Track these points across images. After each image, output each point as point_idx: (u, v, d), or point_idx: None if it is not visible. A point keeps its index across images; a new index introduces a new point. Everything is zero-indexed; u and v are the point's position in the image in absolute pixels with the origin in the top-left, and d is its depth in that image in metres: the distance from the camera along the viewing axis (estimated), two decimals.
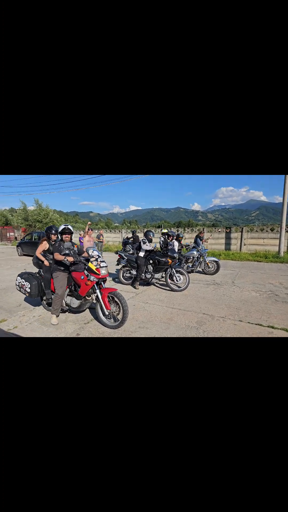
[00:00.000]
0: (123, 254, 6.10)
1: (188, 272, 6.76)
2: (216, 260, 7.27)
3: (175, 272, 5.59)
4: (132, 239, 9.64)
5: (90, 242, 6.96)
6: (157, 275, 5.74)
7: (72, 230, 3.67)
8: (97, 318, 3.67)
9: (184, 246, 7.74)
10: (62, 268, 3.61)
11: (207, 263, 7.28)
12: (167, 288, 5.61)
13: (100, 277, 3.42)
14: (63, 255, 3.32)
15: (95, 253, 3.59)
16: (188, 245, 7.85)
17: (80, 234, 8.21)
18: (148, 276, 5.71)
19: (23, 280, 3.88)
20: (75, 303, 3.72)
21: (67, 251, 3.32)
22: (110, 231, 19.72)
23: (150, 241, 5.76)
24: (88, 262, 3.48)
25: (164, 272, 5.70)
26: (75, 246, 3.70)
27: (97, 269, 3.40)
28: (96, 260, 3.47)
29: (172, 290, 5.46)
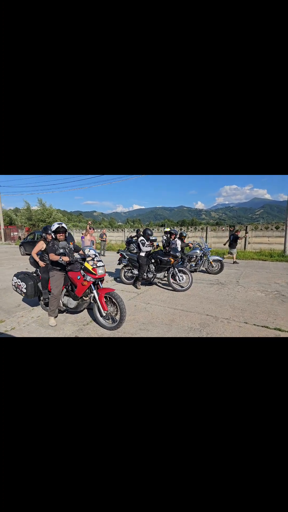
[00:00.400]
0: (124, 253, 5.95)
1: (191, 272, 6.61)
2: (220, 259, 7.10)
3: (177, 272, 5.43)
4: (136, 238, 9.50)
5: (89, 242, 6.87)
6: (159, 275, 5.59)
7: (66, 228, 3.52)
8: (95, 319, 3.56)
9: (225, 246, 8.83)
10: (59, 268, 3.48)
11: (210, 262, 7.10)
12: (170, 288, 5.47)
13: (96, 277, 3.30)
14: (58, 254, 3.19)
15: (92, 252, 3.46)
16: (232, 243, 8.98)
17: (82, 233, 8.13)
18: (150, 275, 5.57)
19: (19, 280, 3.77)
20: (72, 303, 3.60)
21: (61, 251, 3.19)
22: (113, 230, 19.63)
23: (148, 239, 5.53)
24: (84, 262, 3.36)
25: (166, 272, 5.54)
26: (70, 243, 3.56)
27: (93, 269, 3.28)
28: (93, 259, 3.35)
29: (175, 290, 5.31)
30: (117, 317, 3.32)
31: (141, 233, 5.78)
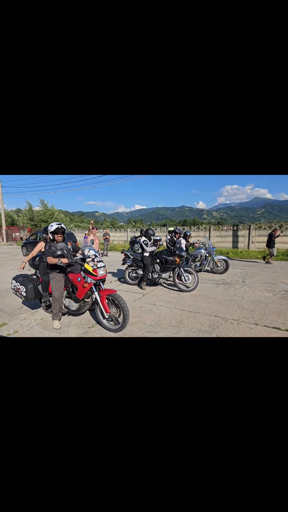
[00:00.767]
0: (129, 253, 5.83)
1: (196, 271, 6.49)
2: (225, 258, 6.97)
3: (183, 272, 5.31)
4: (140, 237, 9.38)
5: (90, 242, 6.75)
6: (164, 275, 5.47)
7: (65, 228, 3.38)
8: (99, 322, 3.45)
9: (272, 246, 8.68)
10: (58, 270, 3.35)
11: (215, 262, 6.97)
12: (175, 289, 5.34)
13: (97, 278, 3.18)
14: (56, 256, 3.07)
15: (92, 252, 3.33)
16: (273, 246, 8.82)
17: (85, 234, 8.04)
18: (155, 275, 5.45)
19: (18, 284, 3.67)
20: (73, 305, 3.48)
21: (59, 252, 3.07)
22: (116, 230, 19.55)
23: (150, 240, 5.41)
24: (84, 263, 3.23)
25: (171, 272, 5.42)
26: (68, 244, 3.43)
27: (94, 270, 3.16)
28: (93, 260, 3.22)
29: (181, 290, 5.18)
30: (120, 319, 3.20)
31: (144, 234, 5.65)
